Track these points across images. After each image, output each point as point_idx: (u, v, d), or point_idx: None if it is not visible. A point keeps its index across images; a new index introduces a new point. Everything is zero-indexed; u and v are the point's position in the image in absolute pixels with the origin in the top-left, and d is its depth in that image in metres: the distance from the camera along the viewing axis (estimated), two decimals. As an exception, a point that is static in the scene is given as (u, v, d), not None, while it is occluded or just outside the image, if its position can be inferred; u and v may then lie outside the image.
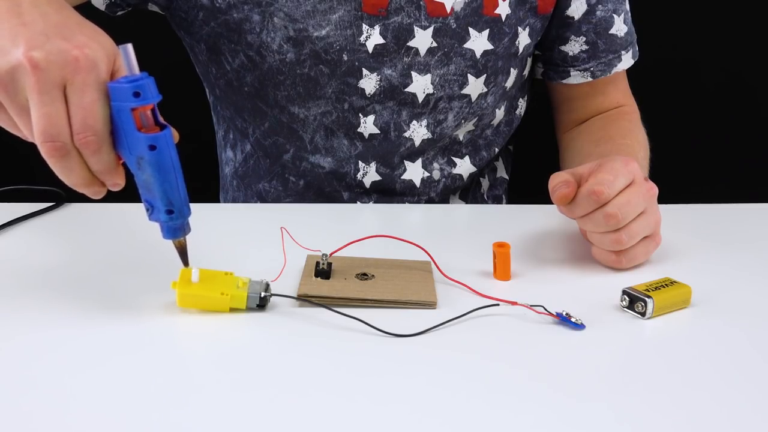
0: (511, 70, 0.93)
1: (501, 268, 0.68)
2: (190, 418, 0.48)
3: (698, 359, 0.56)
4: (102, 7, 0.87)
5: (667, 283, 0.64)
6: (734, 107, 1.39)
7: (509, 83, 0.94)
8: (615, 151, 0.88)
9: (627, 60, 0.97)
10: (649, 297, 0.61)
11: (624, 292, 0.63)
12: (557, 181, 0.69)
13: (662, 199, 0.88)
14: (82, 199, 0.83)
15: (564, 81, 0.98)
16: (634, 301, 0.62)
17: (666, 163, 1.45)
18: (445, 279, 0.67)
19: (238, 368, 0.54)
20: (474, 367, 0.54)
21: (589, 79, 0.97)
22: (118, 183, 0.57)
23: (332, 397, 0.51)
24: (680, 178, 1.47)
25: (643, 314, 0.62)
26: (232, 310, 0.61)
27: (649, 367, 0.55)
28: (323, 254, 0.66)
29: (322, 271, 0.65)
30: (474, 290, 0.65)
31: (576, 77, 0.97)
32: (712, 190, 1.29)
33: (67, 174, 0.55)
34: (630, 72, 1.01)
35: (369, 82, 0.87)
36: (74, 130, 0.53)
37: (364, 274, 0.66)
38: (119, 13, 0.88)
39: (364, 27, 0.85)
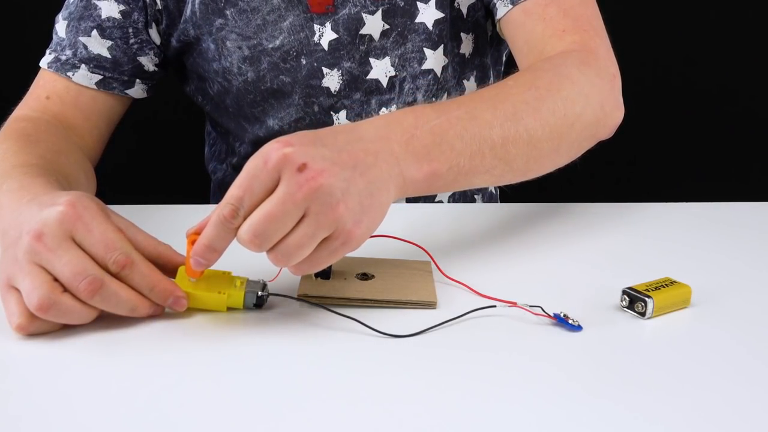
0: (462, 35, 0.91)
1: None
2: (186, 417, 0.48)
3: (698, 359, 0.56)
4: (92, 85, 0.87)
5: (667, 283, 0.64)
6: (733, 106, 1.39)
7: (466, 50, 0.92)
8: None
9: None
10: (649, 297, 0.61)
11: (624, 292, 0.63)
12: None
13: (663, 197, 0.88)
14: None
15: (497, 17, 0.86)
16: (634, 301, 0.62)
17: (665, 161, 1.45)
18: (445, 279, 0.67)
19: (234, 368, 0.54)
20: (471, 367, 0.54)
21: (509, 6, 0.84)
22: (179, 297, 0.58)
23: (329, 396, 0.50)
24: (680, 176, 1.47)
25: (643, 314, 0.61)
26: (230, 309, 0.60)
27: (649, 367, 0.55)
28: (323, 254, 0.65)
29: (322, 271, 0.65)
30: (474, 290, 0.65)
31: (501, 8, 0.85)
32: (712, 189, 1.29)
33: (116, 303, 0.56)
34: (630, 72, 1.01)
35: (332, 80, 0.88)
36: (100, 261, 0.56)
37: (364, 274, 0.66)
38: (115, 87, 0.89)
39: (316, 27, 0.86)
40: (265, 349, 0.56)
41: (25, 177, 0.65)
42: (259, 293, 0.60)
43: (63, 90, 0.87)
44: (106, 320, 0.58)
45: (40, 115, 0.85)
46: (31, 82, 0.89)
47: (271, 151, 0.54)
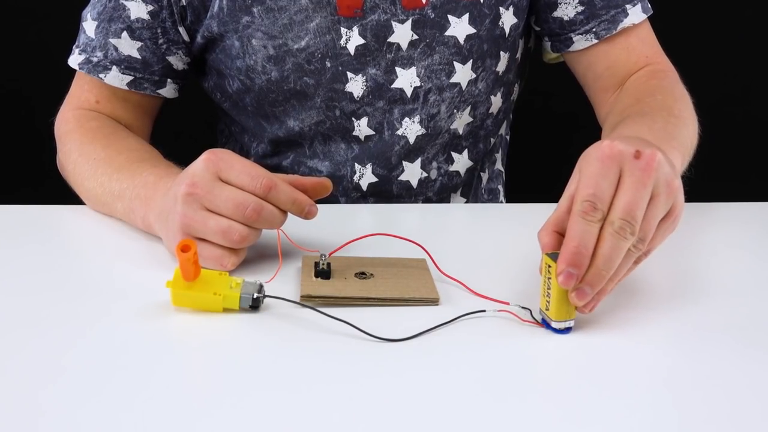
0: (501, 53, 0.91)
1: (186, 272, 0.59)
2: (181, 418, 0.48)
3: (696, 360, 0.56)
4: (123, 85, 0.89)
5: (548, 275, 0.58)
6: (733, 107, 1.39)
7: (501, 67, 0.92)
8: (633, 117, 0.78)
9: (636, 14, 0.89)
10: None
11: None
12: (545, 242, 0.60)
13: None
14: (76, 200, 0.83)
15: (570, 49, 0.92)
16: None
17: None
18: (442, 276, 0.67)
19: (229, 368, 0.54)
20: (468, 368, 0.54)
21: (594, 40, 0.90)
22: (312, 206, 0.67)
23: (324, 398, 0.51)
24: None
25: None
26: (226, 310, 0.61)
27: (646, 366, 0.55)
28: (322, 254, 0.65)
29: (323, 271, 0.65)
30: (470, 289, 0.65)
31: (580, 42, 0.90)
32: (711, 189, 1.28)
33: (272, 221, 0.65)
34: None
35: (355, 85, 0.87)
36: (248, 189, 0.64)
37: (363, 273, 0.66)
38: (147, 88, 0.91)
39: (343, 30, 0.85)
40: (258, 349, 0.57)
41: (152, 168, 0.75)
42: (255, 295, 0.60)
43: (110, 93, 0.90)
44: (100, 318, 0.59)
45: (98, 114, 0.89)
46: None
47: (604, 148, 0.57)
